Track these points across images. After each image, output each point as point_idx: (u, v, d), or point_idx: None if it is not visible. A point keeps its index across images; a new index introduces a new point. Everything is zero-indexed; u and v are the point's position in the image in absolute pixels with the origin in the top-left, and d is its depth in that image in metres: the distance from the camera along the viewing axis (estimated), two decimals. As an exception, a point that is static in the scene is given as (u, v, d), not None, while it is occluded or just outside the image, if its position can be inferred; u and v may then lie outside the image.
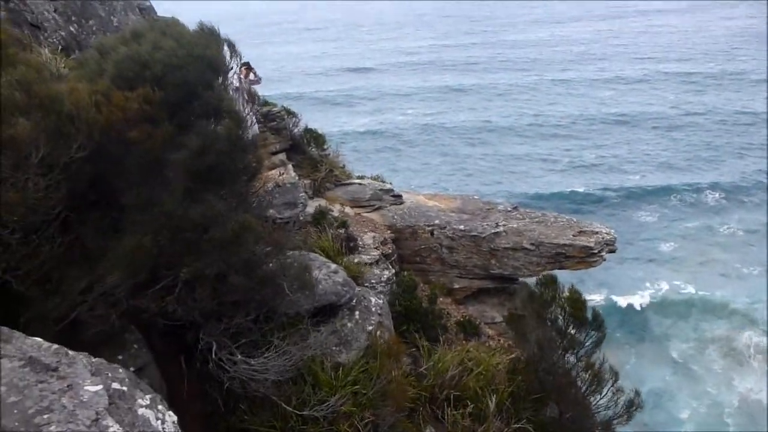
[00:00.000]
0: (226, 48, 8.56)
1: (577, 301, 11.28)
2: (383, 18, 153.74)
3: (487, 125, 60.29)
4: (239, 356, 8.23)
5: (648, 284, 31.64)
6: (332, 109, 68.15)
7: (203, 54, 7.59)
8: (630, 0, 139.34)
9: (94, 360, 4.39)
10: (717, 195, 41.93)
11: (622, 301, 30.01)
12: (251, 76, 14.31)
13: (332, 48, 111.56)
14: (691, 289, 31.31)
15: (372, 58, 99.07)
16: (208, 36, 8.35)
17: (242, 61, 14.27)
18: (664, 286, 31.57)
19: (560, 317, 11.36)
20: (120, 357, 7.66)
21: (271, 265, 8.14)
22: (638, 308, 29.81)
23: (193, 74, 7.21)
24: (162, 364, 8.15)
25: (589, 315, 11.27)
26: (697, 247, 35.69)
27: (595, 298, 28.29)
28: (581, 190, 43.21)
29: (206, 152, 6.47)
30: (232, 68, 8.60)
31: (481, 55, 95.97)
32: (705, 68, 78.12)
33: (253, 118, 13.62)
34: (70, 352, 4.32)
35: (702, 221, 38.73)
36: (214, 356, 8.20)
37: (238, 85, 13.67)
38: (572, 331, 11.30)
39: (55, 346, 4.32)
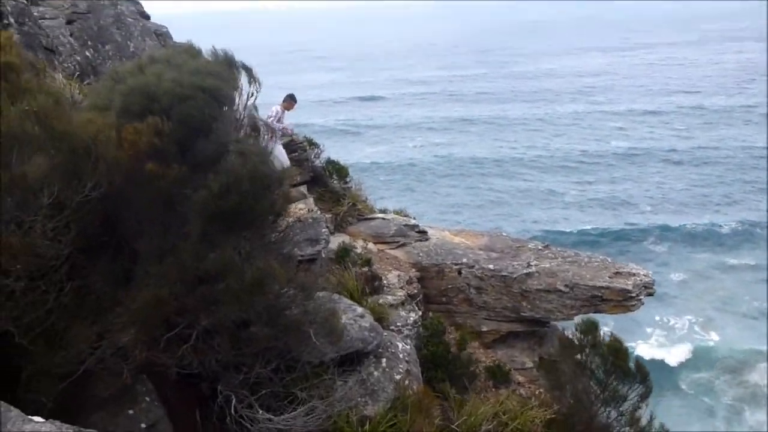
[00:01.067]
0: (243, 75, 7.98)
1: (619, 350, 10.52)
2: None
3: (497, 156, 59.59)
4: (260, 412, 7.53)
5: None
6: (342, 138, 67.88)
7: (214, 85, 6.96)
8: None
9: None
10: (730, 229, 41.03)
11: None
12: (293, 110, 13.87)
13: (344, 77, 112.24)
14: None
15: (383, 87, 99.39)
16: (223, 63, 7.76)
17: (288, 94, 13.93)
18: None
19: (601, 367, 10.58)
20: (131, 412, 7.03)
21: (295, 310, 7.48)
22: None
23: (203, 107, 6.60)
24: (175, 419, 7.48)
25: (632, 365, 10.50)
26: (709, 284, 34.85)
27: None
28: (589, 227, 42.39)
29: (228, 193, 5.80)
30: (253, 95, 7.98)
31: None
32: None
33: (282, 150, 13.07)
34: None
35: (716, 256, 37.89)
36: (233, 411, 7.50)
37: (273, 115, 13.18)
38: (614, 383, 10.52)
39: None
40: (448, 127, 73.88)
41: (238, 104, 7.15)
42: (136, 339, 6.06)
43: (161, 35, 17.34)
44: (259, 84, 7.39)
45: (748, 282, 34.77)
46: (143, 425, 6.95)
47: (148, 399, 7.19)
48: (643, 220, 43.56)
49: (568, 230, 41.70)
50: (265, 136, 12.37)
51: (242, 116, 7.37)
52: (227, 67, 7.16)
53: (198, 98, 6.30)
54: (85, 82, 12.68)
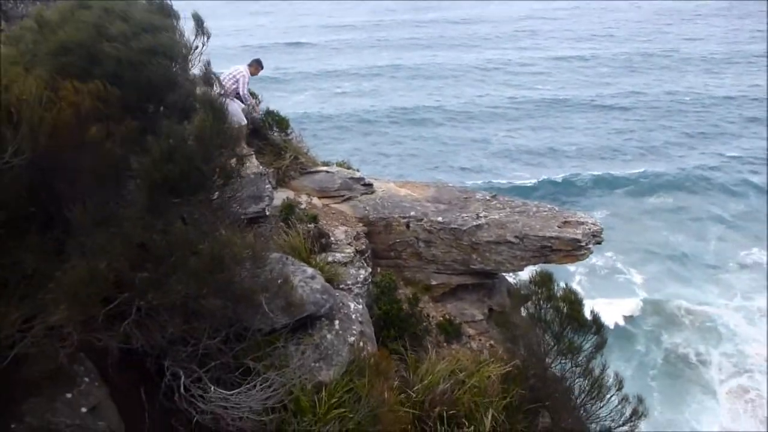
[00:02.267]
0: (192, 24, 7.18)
1: (574, 302, 10.40)
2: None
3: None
4: (213, 388, 7.01)
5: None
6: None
7: (168, 43, 6.17)
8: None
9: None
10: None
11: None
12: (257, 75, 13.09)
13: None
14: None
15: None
16: (162, 12, 6.93)
17: (254, 58, 13.06)
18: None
19: (556, 319, 10.46)
20: (69, 395, 6.42)
21: (246, 278, 6.93)
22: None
23: (159, 72, 5.84)
24: (119, 399, 6.91)
25: (589, 317, 10.42)
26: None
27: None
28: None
29: (173, 157, 5.11)
30: (197, 47, 7.18)
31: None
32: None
33: (237, 107, 12.32)
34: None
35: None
36: (182, 389, 6.96)
37: (240, 78, 12.42)
38: (569, 334, 10.43)
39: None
40: (376, 73, 72.38)
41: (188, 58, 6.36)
42: (70, 317, 5.40)
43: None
44: (208, 36, 6.59)
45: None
46: (83, 409, 6.35)
47: (87, 380, 6.59)
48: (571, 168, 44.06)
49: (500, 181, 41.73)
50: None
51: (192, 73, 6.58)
52: (167, 16, 6.33)
53: (153, 64, 5.52)
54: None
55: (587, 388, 10.27)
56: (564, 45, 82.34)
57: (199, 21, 6.54)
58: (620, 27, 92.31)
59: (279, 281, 7.44)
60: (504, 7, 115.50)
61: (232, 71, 12.53)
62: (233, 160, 6.03)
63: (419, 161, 46.27)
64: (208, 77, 9.28)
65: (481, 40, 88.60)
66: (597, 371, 10.43)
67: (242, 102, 12.67)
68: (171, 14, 7.20)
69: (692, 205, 38.40)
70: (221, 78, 12.22)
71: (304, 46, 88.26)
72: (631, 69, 69.58)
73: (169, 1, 7.35)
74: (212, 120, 5.55)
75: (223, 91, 12.11)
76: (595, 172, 42.63)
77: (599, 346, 10.29)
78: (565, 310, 10.35)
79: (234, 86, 12.43)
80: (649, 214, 37.65)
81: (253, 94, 13.33)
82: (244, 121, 12.67)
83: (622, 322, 27.24)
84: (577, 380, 10.60)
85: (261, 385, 7.12)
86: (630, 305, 28.67)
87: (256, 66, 13.10)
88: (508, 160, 45.96)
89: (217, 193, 6.56)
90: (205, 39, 6.59)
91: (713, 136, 49.11)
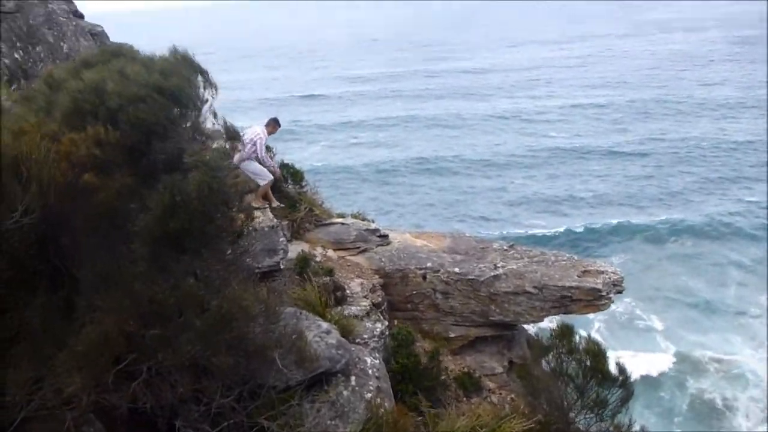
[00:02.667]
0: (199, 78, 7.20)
1: (597, 354, 10.10)
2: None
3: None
4: (225, 450, 6.81)
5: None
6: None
7: (176, 84, 6.19)
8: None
9: None
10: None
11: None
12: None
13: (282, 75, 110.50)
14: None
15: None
16: (181, 63, 6.96)
17: (271, 117, 13.22)
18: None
19: (580, 372, 10.15)
20: (76, 458, 6.18)
21: (260, 334, 6.78)
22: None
23: (155, 109, 5.81)
24: (129, 461, 6.71)
25: (613, 369, 10.11)
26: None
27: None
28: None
29: (175, 213, 5.03)
30: (207, 101, 7.19)
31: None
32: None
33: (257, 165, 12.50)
34: None
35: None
36: (193, 451, 6.75)
37: (257, 141, 12.55)
38: (594, 388, 10.11)
39: None
40: (392, 124, 73.01)
41: (202, 108, 6.35)
42: (83, 384, 5.27)
43: (96, 35, 16.24)
44: (216, 88, 6.59)
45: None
46: (91, 473, 6.18)
47: (96, 441, 6.44)
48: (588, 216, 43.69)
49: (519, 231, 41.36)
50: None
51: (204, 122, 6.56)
52: (187, 67, 6.34)
53: (153, 99, 5.51)
54: (12, 88, 11.63)
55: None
56: (578, 93, 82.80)
57: (204, 73, 6.54)
58: (633, 73, 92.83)
59: (293, 336, 7.29)
60: (515, 56, 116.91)
61: (250, 135, 12.57)
62: (241, 215, 5.94)
63: (437, 210, 46.12)
64: (229, 131, 9.32)
65: (494, 89, 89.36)
66: (625, 426, 10.06)
67: (261, 164, 12.71)
68: (194, 67, 7.21)
69: (712, 250, 37.84)
70: (252, 145, 12.42)
71: (318, 99, 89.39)
72: (646, 115, 69.60)
73: (193, 57, 7.40)
74: (210, 177, 5.48)
75: (244, 151, 12.31)
76: (614, 220, 42.18)
77: (625, 399, 9.94)
78: (588, 362, 10.04)
79: (252, 149, 12.50)
80: (668, 260, 37.09)
81: (268, 147, 13.38)
82: (268, 178, 12.84)
83: (654, 374, 26.63)
84: (602, 435, 10.22)
85: (273, 444, 6.92)
86: (662, 360, 27.91)
87: (273, 125, 13.13)
88: (524, 208, 45.69)
89: (229, 247, 6.47)
90: (214, 91, 6.57)
91: (732, 180, 48.67)
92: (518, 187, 49.98)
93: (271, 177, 12.92)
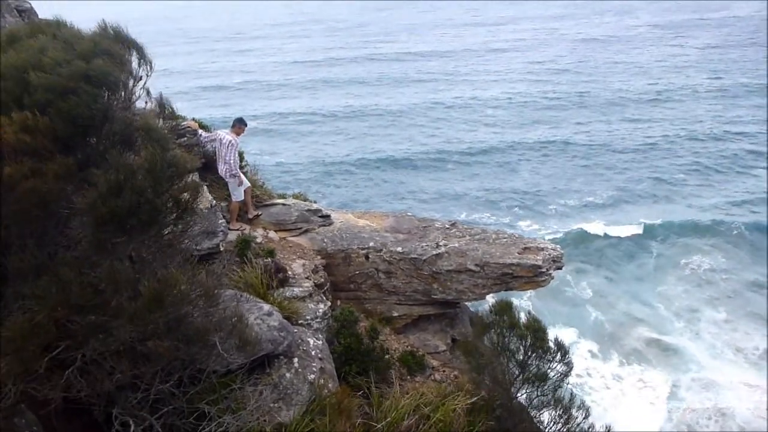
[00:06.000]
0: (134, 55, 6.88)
1: (538, 330, 10.25)
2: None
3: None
4: (165, 438, 6.63)
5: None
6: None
7: (102, 70, 5.86)
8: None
9: None
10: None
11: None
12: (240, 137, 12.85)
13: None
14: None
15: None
16: (112, 41, 6.63)
17: (235, 118, 12.76)
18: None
19: (521, 347, 10.29)
20: (9, 451, 5.96)
21: (198, 318, 6.59)
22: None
23: (88, 102, 5.50)
24: (64, 452, 6.48)
25: (553, 344, 10.27)
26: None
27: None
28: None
29: (121, 190, 4.79)
30: (140, 78, 6.88)
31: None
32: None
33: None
34: None
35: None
36: (133, 439, 6.55)
37: (228, 146, 12.18)
38: (535, 362, 10.26)
39: None
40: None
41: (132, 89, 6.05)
42: (9, 372, 5.01)
43: (24, 11, 15.42)
44: (151, 65, 6.29)
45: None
46: (26, 467, 5.94)
47: (28, 433, 6.19)
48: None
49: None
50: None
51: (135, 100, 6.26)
52: (116, 44, 6.01)
53: (81, 91, 5.20)
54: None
55: (557, 417, 10.06)
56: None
57: (139, 49, 6.23)
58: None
59: (233, 319, 7.12)
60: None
61: (230, 138, 12.40)
62: (186, 193, 5.70)
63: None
64: (162, 106, 8.98)
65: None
66: (566, 398, 10.27)
67: (230, 172, 12.48)
68: (127, 43, 6.85)
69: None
70: (221, 141, 12.07)
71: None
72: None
73: (126, 32, 7.04)
74: (160, 150, 5.25)
75: (201, 143, 12.01)
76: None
77: (565, 374, 10.12)
78: (529, 338, 10.18)
79: (228, 154, 12.34)
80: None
81: (202, 126, 12.99)
82: (241, 198, 12.83)
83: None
84: (544, 409, 10.39)
85: (216, 430, 6.77)
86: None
87: (239, 126, 12.75)
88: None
89: (168, 228, 6.23)
90: (148, 68, 6.27)
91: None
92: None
93: (241, 197, 12.81)
